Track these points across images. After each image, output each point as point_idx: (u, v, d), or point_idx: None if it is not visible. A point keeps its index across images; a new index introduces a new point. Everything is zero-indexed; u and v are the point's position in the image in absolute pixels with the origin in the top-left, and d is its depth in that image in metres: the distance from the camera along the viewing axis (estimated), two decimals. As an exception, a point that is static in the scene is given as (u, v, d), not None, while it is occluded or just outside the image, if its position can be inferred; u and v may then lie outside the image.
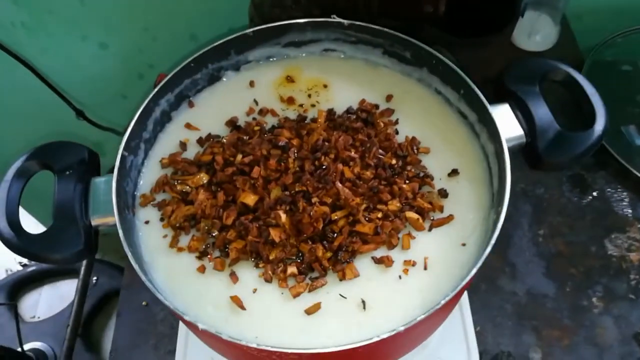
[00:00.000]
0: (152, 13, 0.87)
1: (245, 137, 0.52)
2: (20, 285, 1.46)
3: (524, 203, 0.71)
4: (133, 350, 0.62)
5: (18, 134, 1.10)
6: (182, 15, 0.87)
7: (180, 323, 0.57)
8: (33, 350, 1.26)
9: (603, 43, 0.81)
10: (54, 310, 1.40)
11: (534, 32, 0.81)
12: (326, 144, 0.49)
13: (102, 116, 1.05)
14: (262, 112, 0.55)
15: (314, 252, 0.45)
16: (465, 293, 0.57)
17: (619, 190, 0.72)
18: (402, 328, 0.38)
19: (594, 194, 0.72)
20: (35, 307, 1.47)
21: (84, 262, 0.79)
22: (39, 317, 1.43)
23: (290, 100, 0.56)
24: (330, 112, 0.54)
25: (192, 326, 0.39)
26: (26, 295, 1.49)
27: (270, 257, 0.45)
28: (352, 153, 0.48)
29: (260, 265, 0.46)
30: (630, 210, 0.70)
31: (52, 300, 1.47)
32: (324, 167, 0.47)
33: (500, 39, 0.81)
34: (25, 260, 1.57)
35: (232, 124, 0.54)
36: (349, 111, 0.54)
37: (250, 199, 0.46)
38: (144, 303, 0.66)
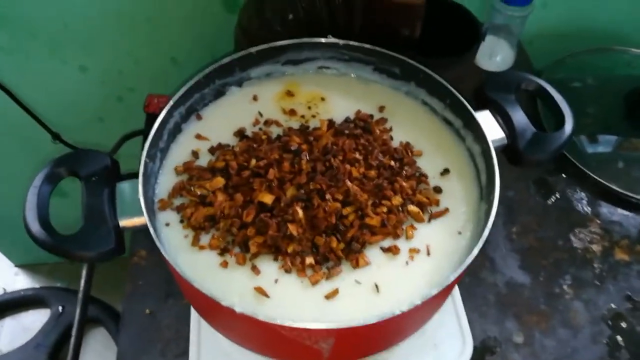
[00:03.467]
0: (135, 36, 0.88)
1: (254, 145, 0.56)
2: (-20, 318, 1.42)
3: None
4: (140, 358, 0.63)
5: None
6: (165, 38, 0.89)
7: (192, 322, 0.59)
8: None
9: (555, 63, 0.91)
10: (18, 343, 1.35)
11: (494, 55, 0.90)
12: (334, 147, 0.53)
13: (78, 139, 1.05)
14: (267, 122, 0.59)
15: (328, 244, 0.49)
16: (456, 285, 0.62)
17: (578, 191, 0.81)
18: (419, 301, 0.42)
19: (557, 195, 0.80)
20: (-3, 339, 1.42)
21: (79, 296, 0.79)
22: (1, 350, 1.38)
23: (292, 112, 0.60)
24: (331, 122, 0.59)
25: (226, 311, 0.42)
26: (-13, 328, 1.43)
27: (289, 250, 0.49)
28: (357, 155, 0.54)
29: (279, 258, 0.49)
30: (589, 208, 0.79)
31: (15, 332, 1.42)
32: (333, 167, 0.52)
33: (465, 61, 0.89)
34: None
35: (240, 133, 0.58)
36: (347, 120, 0.59)
37: (267, 198, 0.50)
38: (147, 311, 0.67)
